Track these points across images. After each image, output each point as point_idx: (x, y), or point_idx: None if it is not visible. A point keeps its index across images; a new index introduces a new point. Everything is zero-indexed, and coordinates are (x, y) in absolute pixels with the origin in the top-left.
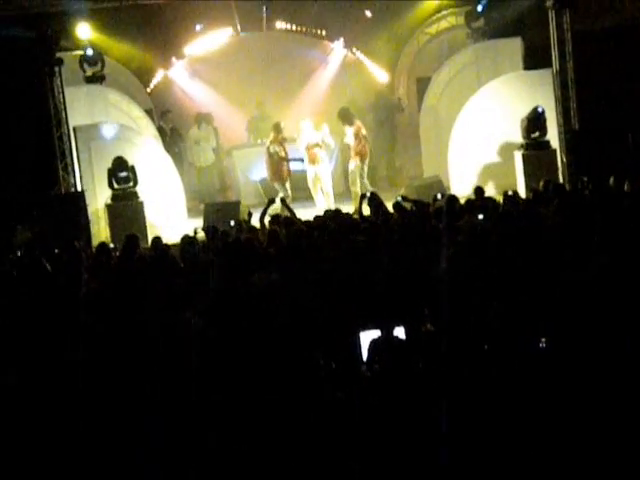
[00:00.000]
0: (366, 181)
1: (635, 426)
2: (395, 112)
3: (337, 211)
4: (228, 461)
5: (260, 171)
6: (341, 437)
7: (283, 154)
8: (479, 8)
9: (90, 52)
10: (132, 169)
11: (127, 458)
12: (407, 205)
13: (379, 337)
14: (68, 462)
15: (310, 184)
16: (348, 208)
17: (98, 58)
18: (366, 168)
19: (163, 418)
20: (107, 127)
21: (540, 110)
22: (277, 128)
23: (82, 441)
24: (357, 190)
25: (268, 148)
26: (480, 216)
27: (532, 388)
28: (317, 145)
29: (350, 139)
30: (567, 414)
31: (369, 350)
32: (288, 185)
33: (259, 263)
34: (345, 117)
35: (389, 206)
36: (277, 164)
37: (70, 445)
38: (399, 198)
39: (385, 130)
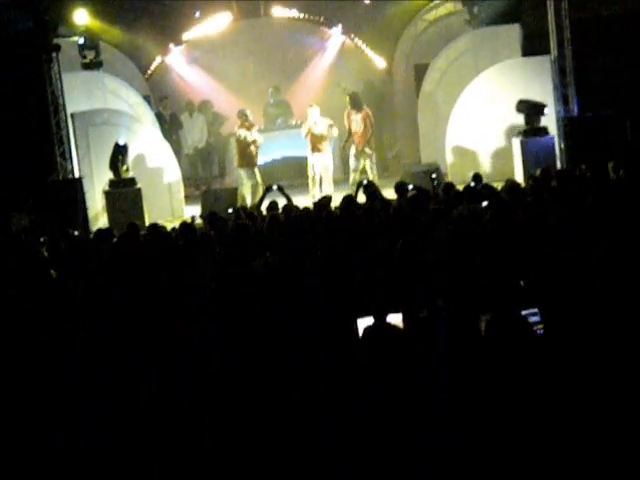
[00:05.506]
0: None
1: (632, 414)
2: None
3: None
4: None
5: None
6: (339, 424)
7: (251, 138)
8: None
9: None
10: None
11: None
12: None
13: (373, 324)
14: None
15: (310, 171)
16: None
17: (95, 44)
18: (374, 156)
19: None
20: (105, 113)
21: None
22: (241, 115)
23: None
24: (357, 177)
25: (236, 133)
26: (484, 203)
27: (529, 375)
28: (322, 138)
29: (357, 125)
30: (565, 401)
31: (363, 337)
32: (257, 170)
33: (259, 248)
34: (355, 102)
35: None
36: (244, 149)
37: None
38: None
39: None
